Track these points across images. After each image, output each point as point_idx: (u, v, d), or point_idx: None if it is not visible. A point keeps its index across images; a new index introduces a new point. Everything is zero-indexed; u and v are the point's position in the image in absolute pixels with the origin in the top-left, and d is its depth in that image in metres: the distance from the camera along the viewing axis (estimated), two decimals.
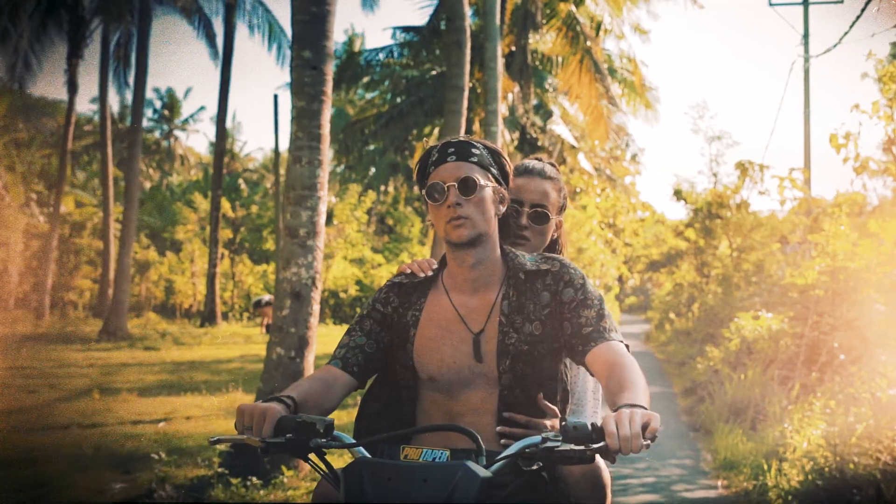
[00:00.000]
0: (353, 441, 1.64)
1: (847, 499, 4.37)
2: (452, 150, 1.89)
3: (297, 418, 1.60)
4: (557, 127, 20.10)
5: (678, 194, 21.14)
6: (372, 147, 25.97)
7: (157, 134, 55.32)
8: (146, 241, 28.97)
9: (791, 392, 7.32)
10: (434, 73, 20.22)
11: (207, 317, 21.61)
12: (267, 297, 21.60)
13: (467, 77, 9.37)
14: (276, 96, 28.68)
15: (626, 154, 34.85)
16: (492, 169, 1.90)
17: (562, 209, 2.29)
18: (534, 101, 19.35)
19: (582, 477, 1.88)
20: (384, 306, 1.94)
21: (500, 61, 12.72)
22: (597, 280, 33.43)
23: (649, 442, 1.46)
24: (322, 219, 5.53)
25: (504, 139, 17.74)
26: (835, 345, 8.09)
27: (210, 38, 25.38)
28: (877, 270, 8.39)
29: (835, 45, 12.39)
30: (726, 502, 5.26)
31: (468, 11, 9.40)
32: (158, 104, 55.49)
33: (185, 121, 56.86)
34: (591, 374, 1.83)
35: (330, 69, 5.49)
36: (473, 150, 1.89)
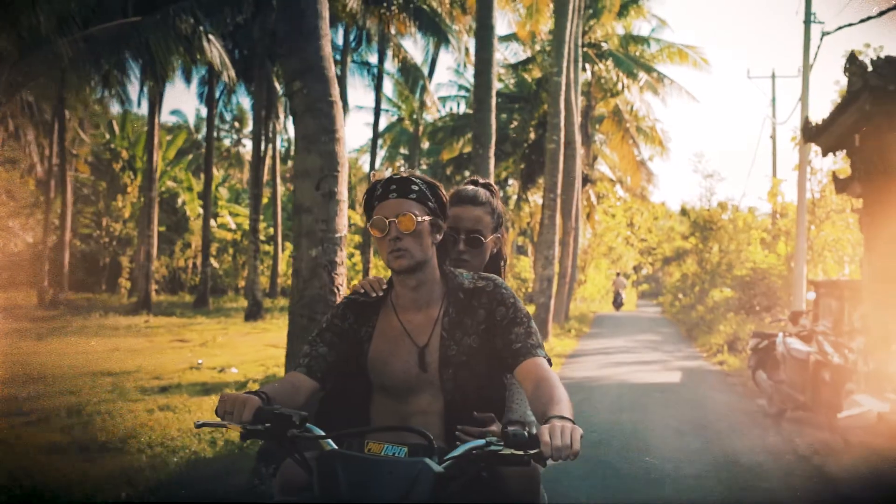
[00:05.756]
0: (324, 434, 1.86)
1: (739, 346, 13.78)
2: (394, 186, 2.10)
3: (276, 409, 1.81)
4: (601, 167, 29.48)
5: (684, 211, 30.44)
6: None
7: (227, 142, 64.90)
8: None
9: (733, 320, 16.78)
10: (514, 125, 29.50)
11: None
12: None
13: (579, 182, 18.63)
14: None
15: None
16: (429, 203, 2.12)
17: (497, 227, 2.55)
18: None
19: (519, 475, 2.11)
20: (342, 321, 2.20)
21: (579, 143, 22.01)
22: (618, 270, 42.65)
23: (578, 450, 1.69)
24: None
25: None
26: (755, 302, 17.56)
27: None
28: (777, 268, 17.86)
29: (787, 119, 21.93)
30: (696, 353, 14.73)
31: (577, 131, 18.67)
32: (228, 116, 65.20)
33: (252, 131, 66.51)
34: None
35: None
36: (413, 187, 2.10)
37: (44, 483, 4.90)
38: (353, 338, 2.19)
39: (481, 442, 1.80)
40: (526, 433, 1.73)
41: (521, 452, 1.72)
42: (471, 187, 2.55)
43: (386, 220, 2.06)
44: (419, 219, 2.08)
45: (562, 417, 1.77)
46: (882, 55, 7.46)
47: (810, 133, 9.82)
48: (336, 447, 1.85)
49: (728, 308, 17.94)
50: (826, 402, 7.37)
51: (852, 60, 6.95)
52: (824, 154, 9.78)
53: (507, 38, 27.20)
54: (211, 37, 15.76)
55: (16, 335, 15.08)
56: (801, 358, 7.86)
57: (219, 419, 1.83)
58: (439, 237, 2.15)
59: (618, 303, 32.38)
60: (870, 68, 6.91)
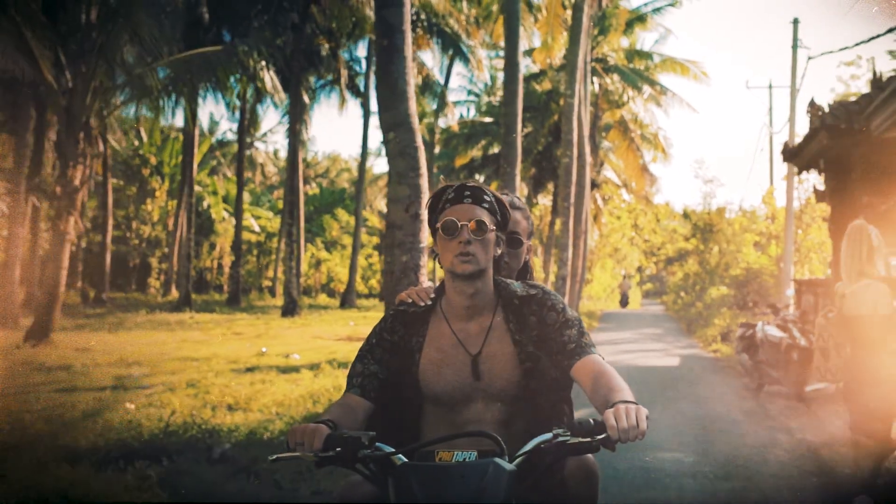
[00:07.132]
0: (393, 450, 1.90)
1: (731, 337, 15.62)
2: (468, 193, 2.14)
3: (344, 434, 1.86)
4: (608, 172, 31.29)
5: (686, 214, 32.24)
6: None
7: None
8: (321, 245, 40.60)
9: (727, 314, 18.59)
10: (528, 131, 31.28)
11: (382, 296, 33.12)
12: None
13: (588, 189, 20.48)
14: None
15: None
16: (497, 216, 2.16)
17: (530, 234, 2.63)
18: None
19: (577, 468, 2.17)
20: (391, 335, 2.20)
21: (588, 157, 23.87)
22: (622, 270, 44.50)
23: (645, 430, 1.74)
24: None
25: None
26: (748, 298, 19.38)
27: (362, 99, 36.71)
28: (768, 268, 19.70)
29: (782, 129, 23.78)
30: (694, 343, 16.57)
31: (586, 142, 20.48)
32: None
33: (264, 134, 68.45)
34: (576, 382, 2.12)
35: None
36: (485, 197, 2.14)
37: (216, 427, 6.72)
38: (404, 349, 2.19)
39: (548, 435, 1.84)
40: (591, 420, 1.79)
41: (588, 439, 1.77)
42: (505, 195, 2.66)
43: (458, 223, 2.09)
44: (490, 227, 2.12)
45: (625, 401, 1.81)
46: (873, 67, 9.33)
47: (788, 154, 11.67)
48: (407, 461, 1.88)
49: (723, 304, 19.78)
50: (795, 378, 9.20)
51: (812, 104, 8.77)
52: (799, 172, 11.60)
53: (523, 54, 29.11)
54: (265, 64, 17.55)
55: (87, 329, 16.96)
56: (775, 342, 9.68)
57: (290, 450, 1.88)
58: (499, 251, 2.18)
59: (624, 302, 36.42)
60: (826, 110, 8.73)
